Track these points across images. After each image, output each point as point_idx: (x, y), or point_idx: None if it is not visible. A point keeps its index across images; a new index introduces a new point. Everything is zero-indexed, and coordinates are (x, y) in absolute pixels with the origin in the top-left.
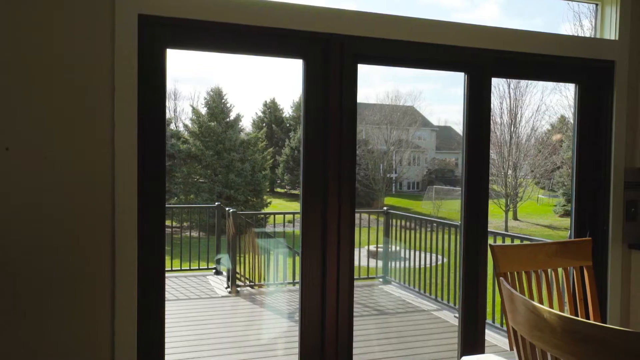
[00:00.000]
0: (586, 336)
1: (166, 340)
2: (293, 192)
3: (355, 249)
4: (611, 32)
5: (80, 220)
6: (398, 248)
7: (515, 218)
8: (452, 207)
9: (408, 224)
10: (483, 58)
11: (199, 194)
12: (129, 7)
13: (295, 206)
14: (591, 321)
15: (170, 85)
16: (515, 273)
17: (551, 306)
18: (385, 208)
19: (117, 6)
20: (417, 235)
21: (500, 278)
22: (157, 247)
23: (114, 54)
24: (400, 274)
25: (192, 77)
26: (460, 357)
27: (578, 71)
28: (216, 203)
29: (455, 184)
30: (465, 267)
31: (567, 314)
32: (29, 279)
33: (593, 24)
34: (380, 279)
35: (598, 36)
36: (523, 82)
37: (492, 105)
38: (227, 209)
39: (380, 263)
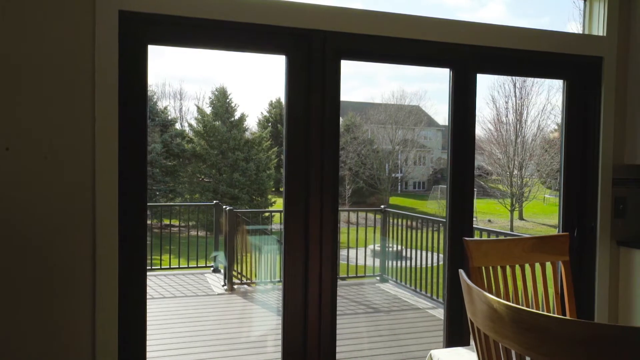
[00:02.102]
0: (531, 325)
1: (159, 337)
2: None
3: (357, 248)
4: (599, 28)
5: (60, 219)
6: (397, 247)
7: (521, 218)
8: None
9: (406, 222)
10: (467, 54)
11: (204, 193)
12: (109, 4)
13: None
14: (535, 310)
15: (176, 85)
16: (491, 268)
17: (526, 301)
18: (382, 206)
19: (97, 2)
20: (416, 234)
21: (460, 270)
22: (139, 246)
23: (95, 51)
24: (397, 273)
25: (198, 77)
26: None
27: (566, 67)
28: (214, 201)
29: None
30: (451, 262)
31: (514, 304)
32: (10, 278)
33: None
34: (378, 277)
35: (586, 32)
36: (529, 81)
37: (497, 105)
38: (224, 207)
39: (387, 262)
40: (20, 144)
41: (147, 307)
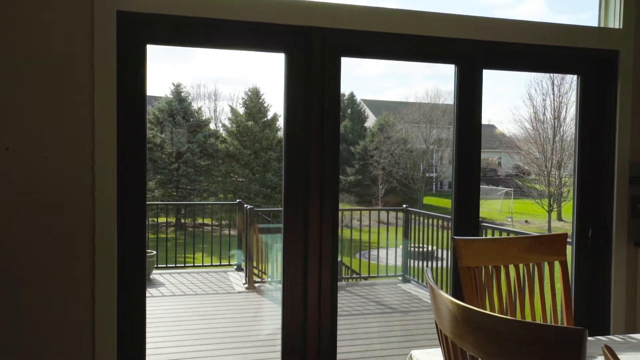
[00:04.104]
0: (481, 326)
1: (174, 333)
2: None
3: (379, 248)
4: (615, 21)
5: (60, 218)
6: (419, 246)
7: (559, 218)
8: (493, 207)
9: (431, 222)
10: (473, 49)
11: (237, 193)
12: (107, 4)
13: None
14: (482, 310)
15: (210, 86)
16: (483, 267)
17: (521, 302)
18: (405, 206)
19: (95, 3)
20: (440, 233)
21: (426, 270)
22: (138, 245)
23: (93, 51)
24: (419, 273)
25: (232, 78)
26: None
27: (579, 62)
28: (237, 200)
29: (498, 183)
30: (455, 262)
31: (463, 303)
32: (10, 278)
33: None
34: (400, 278)
35: (602, 25)
36: (568, 78)
37: (534, 102)
38: (245, 205)
39: (409, 262)
40: (20, 144)
41: (161, 304)
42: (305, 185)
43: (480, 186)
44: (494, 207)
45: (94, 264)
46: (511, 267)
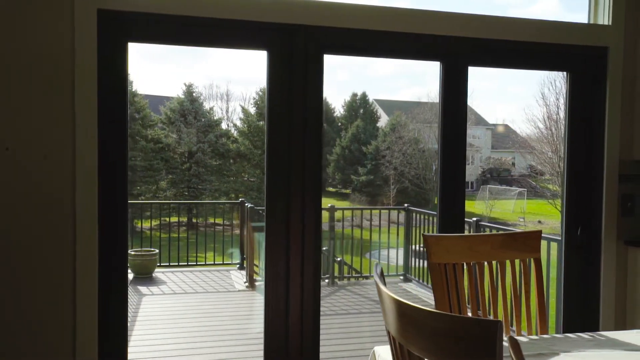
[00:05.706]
0: (410, 319)
1: (168, 331)
2: (344, 191)
3: (380, 248)
4: (604, 17)
5: (41, 216)
6: (420, 246)
7: None
8: (506, 207)
9: (432, 220)
10: (459, 47)
11: (248, 192)
12: (88, 2)
13: (346, 204)
14: (414, 304)
15: (223, 87)
16: (454, 264)
17: (494, 299)
18: (406, 205)
19: (76, 1)
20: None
21: (375, 265)
22: (119, 245)
23: (74, 50)
24: (421, 272)
25: (243, 78)
26: None
27: (569, 59)
28: (240, 199)
29: (511, 184)
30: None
31: (400, 298)
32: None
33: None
34: (401, 277)
35: (592, 21)
36: None
37: (547, 102)
38: (246, 204)
39: (410, 261)
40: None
41: (161, 302)
42: (288, 184)
43: (494, 186)
44: (507, 207)
45: (74, 262)
46: (485, 265)
